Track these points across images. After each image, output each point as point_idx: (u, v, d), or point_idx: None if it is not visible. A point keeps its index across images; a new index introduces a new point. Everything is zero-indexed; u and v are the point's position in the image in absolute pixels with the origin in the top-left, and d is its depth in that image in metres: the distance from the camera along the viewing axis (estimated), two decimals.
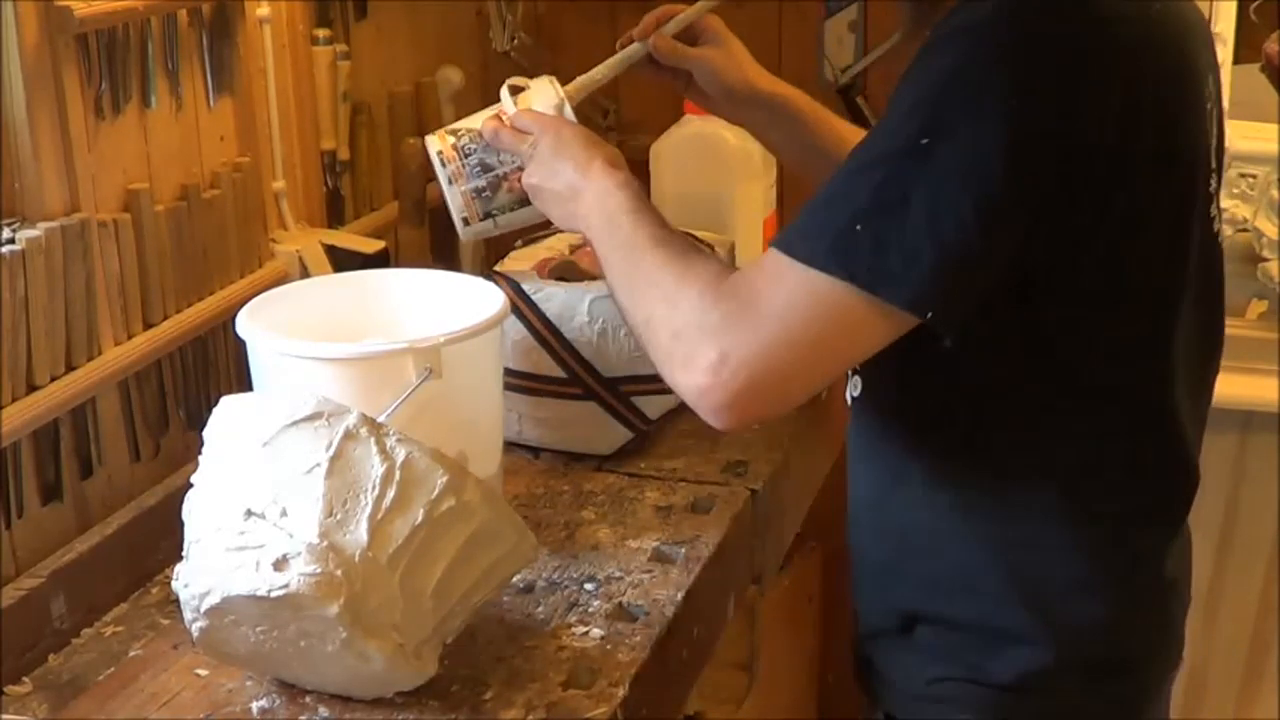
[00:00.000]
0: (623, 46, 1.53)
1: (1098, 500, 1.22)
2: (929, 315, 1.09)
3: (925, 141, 1.07)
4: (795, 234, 1.13)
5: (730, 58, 1.54)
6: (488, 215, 1.46)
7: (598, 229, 1.29)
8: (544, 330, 1.60)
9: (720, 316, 1.13)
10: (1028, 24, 1.08)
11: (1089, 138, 1.08)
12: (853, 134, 1.53)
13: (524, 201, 1.43)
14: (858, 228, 1.08)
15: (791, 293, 1.10)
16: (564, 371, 1.61)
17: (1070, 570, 1.23)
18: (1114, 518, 1.23)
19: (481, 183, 1.45)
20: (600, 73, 1.53)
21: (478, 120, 1.46)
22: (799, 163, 1.59)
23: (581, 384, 1.61)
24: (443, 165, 1.45)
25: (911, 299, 1.08)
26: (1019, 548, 1.23)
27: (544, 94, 1.46)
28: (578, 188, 1.32)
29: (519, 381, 1.61)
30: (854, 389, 1.32)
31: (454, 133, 1.47)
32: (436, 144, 1.46)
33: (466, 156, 1.45)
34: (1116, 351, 1.19)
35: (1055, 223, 1.10)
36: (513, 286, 1.60)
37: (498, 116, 1.44)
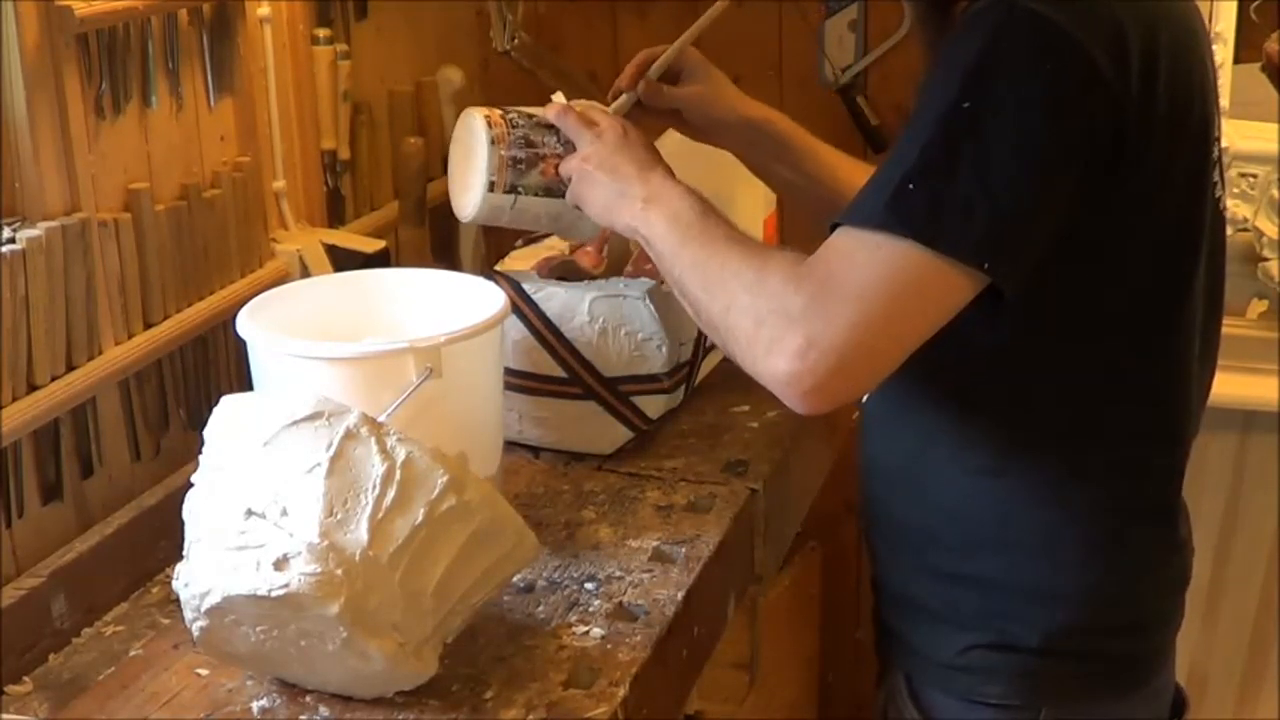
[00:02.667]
0: (613, 97, 1.55)
1: (1124, 457, 1.27)
2: (986, 266, 1.12)
3: (967, 105, 1.11)
4: (855, 206, 1.16)
5: (716, 89, 1.57)
6: (512, 189, 1.45)
7: (661, 228, 1.29)
8: (544, 330, 1.60)
9: (804, 301, 1.13)
10: None
11: (1118, 91, 1.12)
12: (834, 155, 1.58)
13: (550, 191, 1.44)
14: (910, 186, 1.11)
15: (863, 266, 1.12)
16: (564, 371, 1.61)
17: (1098, 527, 1.27)
18: (1138, 475, 1.28)
19: (520, 154, 1.44)
20: None
21: (527, 110, 1.48)
22: (784, 184, 1.63)
23: (581, 384, 1.61)
24: (488, 127, 1.45)
25: (971, 250, 1.11)
26: (1049, 505, 1.27)
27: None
28: (633, 187, 1.34)
29: (519, 381, 1.61)
30: None
31: (501, 108, 1.48)
32: (482, 110, 1.47)
33: (513, 128, 1.45)
34: (1141, 308, 1.23)
35: (1096, 177, 1.14)
36: (513, 286, 1.60)
37: (563, 104, 1.46)
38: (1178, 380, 1.29)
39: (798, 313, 1.13)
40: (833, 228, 1.17)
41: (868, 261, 1.12)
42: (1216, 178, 1.29)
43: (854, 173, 1.52)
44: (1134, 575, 1.30)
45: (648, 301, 1.59)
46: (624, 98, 1.54)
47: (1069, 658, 1.30)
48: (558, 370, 1.61)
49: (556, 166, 1.44)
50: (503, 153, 1.44)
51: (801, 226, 2.16)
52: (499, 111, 1.47)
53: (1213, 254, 1.29)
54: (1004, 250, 1.12)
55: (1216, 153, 1.29)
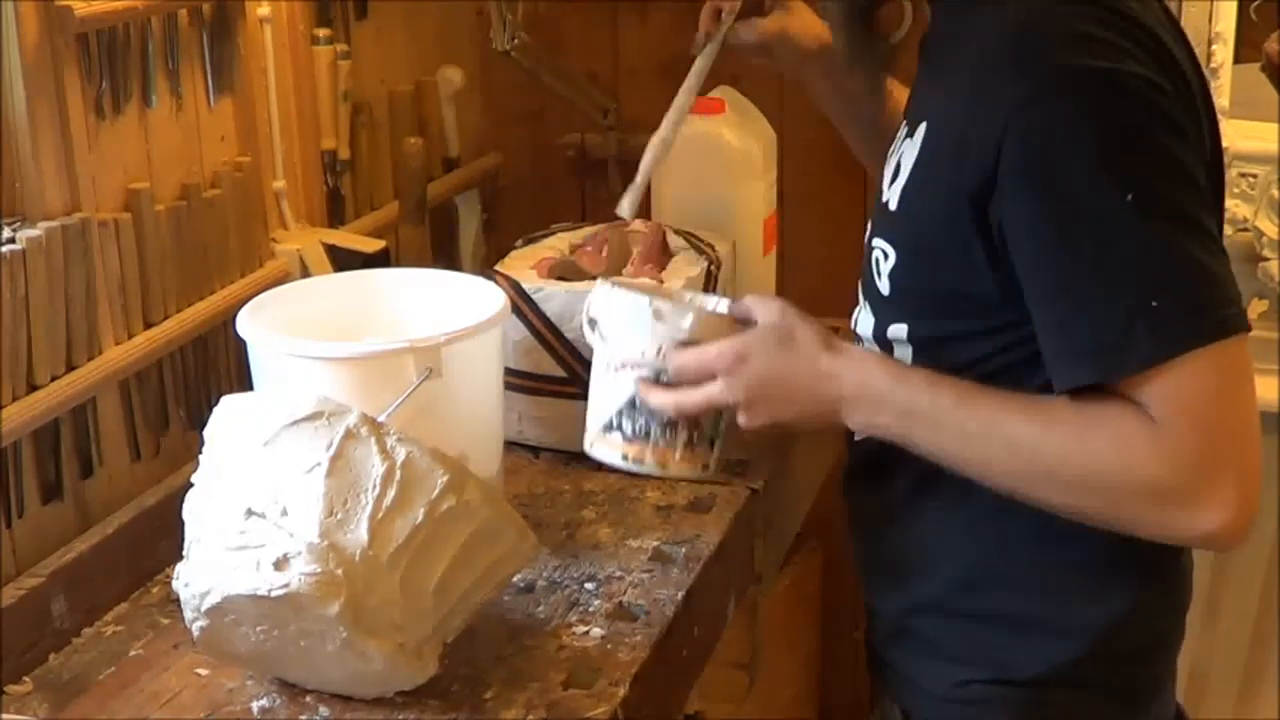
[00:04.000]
0: (699, 47, 1.51)
1: None
2: (1244, 322, 1.11)
3: (1130, 197, 1.08)
4: (1122, 354, 1.10)
5: (800, 18, 1.54)
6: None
7: (914, 425, 1.19)
8: (544, 330, 1.60)
9: (1194, 460, 1.09)
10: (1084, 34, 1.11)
11: (1188, 103, 1.14)
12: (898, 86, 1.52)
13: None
14: (1154, 304, 1.08)
15: (1201, 391, 1.09)
16: (564, 371, 1.61)
17: (1097, 559, 1.24)
18: None
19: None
20: (685, 97, 1.51)
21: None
22: (852, 112, 1.59)
23: (581, 383, 1.61)
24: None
25: (1243, 320, 1.11)
26: (1051, 542, 1.23)
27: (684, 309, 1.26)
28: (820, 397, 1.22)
29: (519, 381, 1.61)
30: None
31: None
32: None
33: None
34: None
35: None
36: (513, 286, 1.60)
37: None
38: None
39: (1194, 475, 1.09)
40: (1080, 387, 1.11)
41: (1193, 392, 1.09)
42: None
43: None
44: (1136, 606, 1.26)
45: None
46: (709, 48, 1.48)
47: (1068, 688, 1.27)
48: (558, 370, 1.61)
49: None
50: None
51: (802, 226, 2.17)
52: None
53: None
54: (1236, 300, 1.11)
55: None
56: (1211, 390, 1.09)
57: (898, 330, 1.25)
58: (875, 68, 1.42)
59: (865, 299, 1.31)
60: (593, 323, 1.28)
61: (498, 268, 1.67)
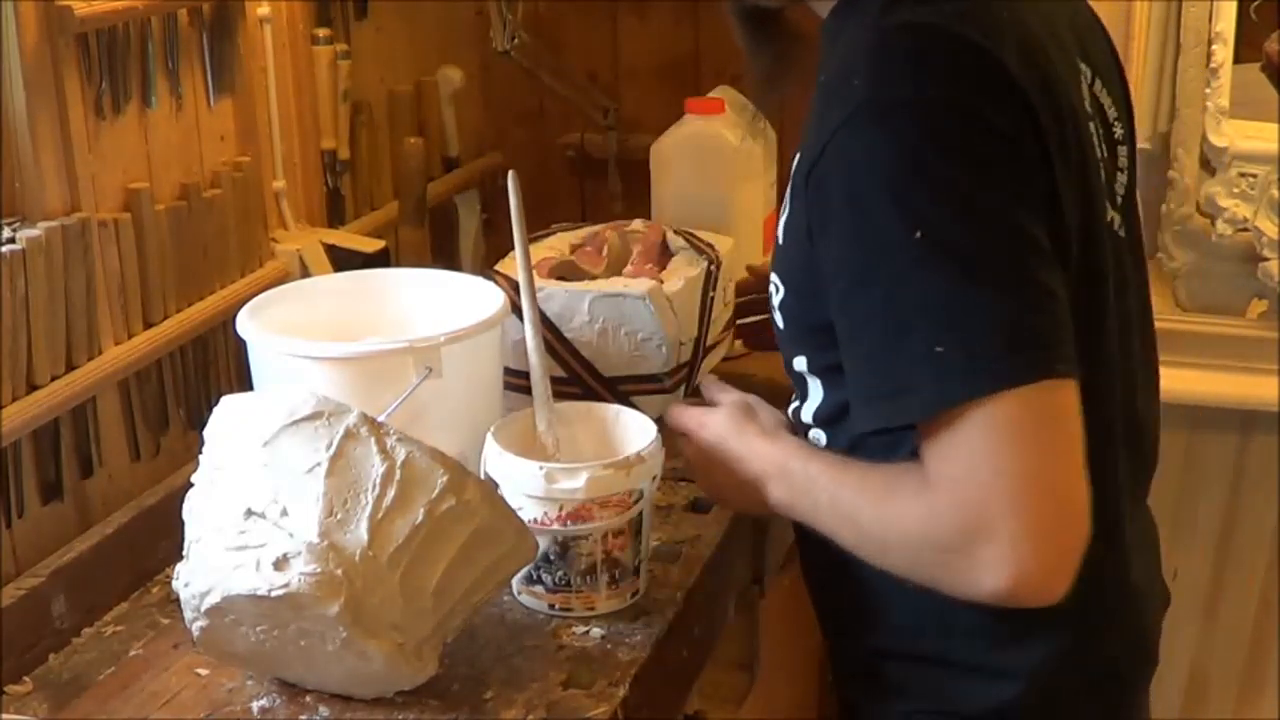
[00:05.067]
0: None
1: None
2: (1038, 375, 1.03)
3: (919, 235, 1.03)
4: (902, 402, 1.06)
5: None
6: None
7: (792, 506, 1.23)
8: (544, 330, 1.60)
9: (957, 521, 1.04)
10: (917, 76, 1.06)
11: (1020, 135, 1.06)
12: None
13: None
14: (939, 350, 1.03)
15: (969, 454, 1.03)
16: (564, 371, 1.61)
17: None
18: None
19: None
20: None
21: None
22: None
23: (581, 383, 1.61)
24: None
25: (1025, 373, 1.02)
26: None
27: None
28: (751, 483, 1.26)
29: (519, 381, 1.60)
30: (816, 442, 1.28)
31: None
32: None
33: None
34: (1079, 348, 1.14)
35: (1044, 220, 1.08)
36: (513, 286, 1.60)
37: None
38: (1128, 427, 1.23)
39: (963, 538, 1.04)
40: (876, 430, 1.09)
41: (967, 446, 1.03)
42: (1123, 165, 1.25)
43: None
44: (1083, 644, 1.22)
45: (648, 302, 1.59)
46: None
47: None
48: (558, 370, 1.61)
49: None
50: None
51: None
52: None
53: (1124, 279, 1.23)
54: (1045, 345, 1.04)
55: (1106, 178, 1.21)
56: (984, 446, 1.02)
57: (800, 363, 1.24)
58: (789, 84, 1.38)
59: None
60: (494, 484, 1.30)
61: (498, 268, 1.67)
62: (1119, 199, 1.24)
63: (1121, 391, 1.23)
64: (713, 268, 1.69)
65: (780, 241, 1.23)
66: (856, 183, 1.06)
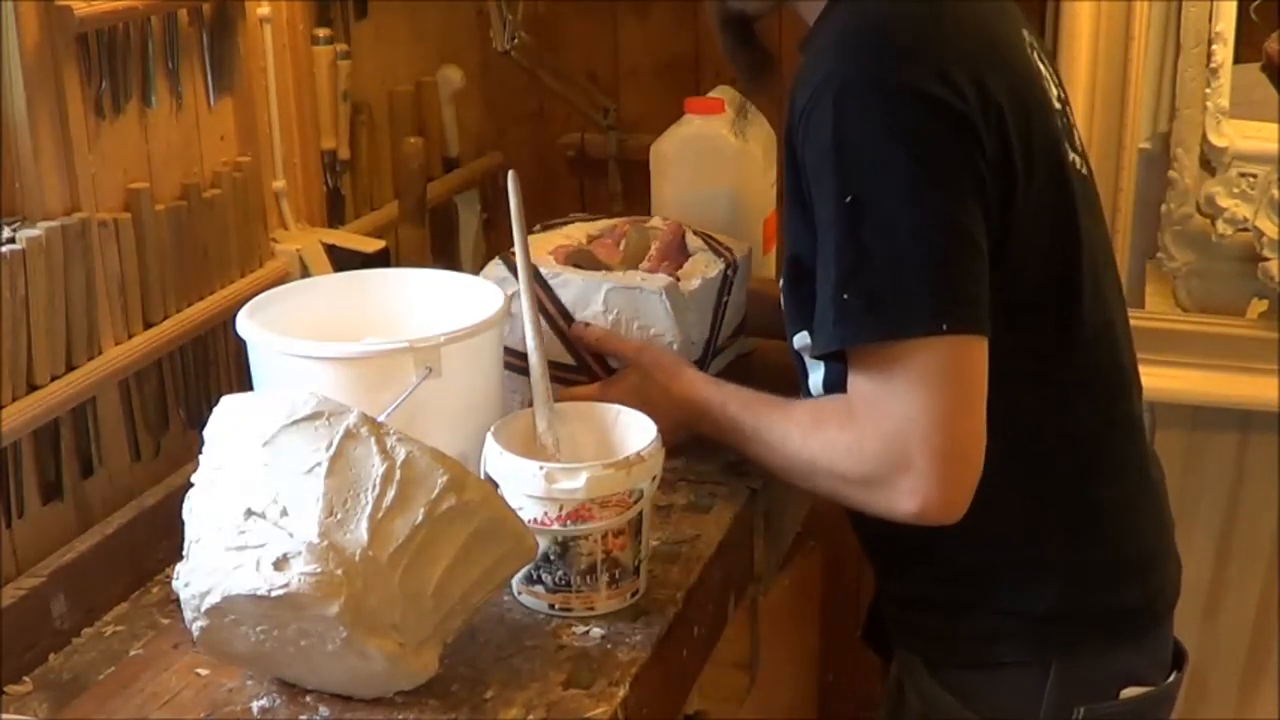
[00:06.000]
0: None
1: (1079, 427, 1.34)
2: (945, 327, 1.18)
3: (849, 199, 1.18)
4: (820, 333, 1.23)
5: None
6: None
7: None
8: (557, 315, 1.59)
9: (875, 448, 1.22)
10: (868, 53, 1.21)
11: (961, 108, 1.19)
12: None
13: None
14: (845, 297, 1.19)
15: (885, 391, 1.21)
16: (573, 359, 1.60)
17: (1073, 500, 1.34)
18: (1098, 439, 1.36)
19: None
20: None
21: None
22: None
23: (589, 373, 1.60)
24: None
25: (926, 323, 1.18)
26: (1025, 491, 1.33)
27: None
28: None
29: (521, 364, 1.59)
30: None
31: None
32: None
33: None
34: (1055, 296, 1.30)
35: (991, 188, 1.20)
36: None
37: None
38: (1109, 343, 1.36)
39: (886, 468, 1.22)
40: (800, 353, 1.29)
41: (889, 387, 1.20)
42: (1076, 145, 1.37)
43: None
44: (1114, 529, 1.36)
45: (664, 298, 1.58)
46: None
47: (1068, 617, 1.35)
48: (566, 358, 1.60)
49: None
50: None
51: None
52: None
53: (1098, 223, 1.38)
54: (962, 302, 1.18)
55: (1063, 124, 1.35)
56: (905, 388, 1.19)
57: (800, 339, 1.34)
58: (773, 83, 1.49)
59: None
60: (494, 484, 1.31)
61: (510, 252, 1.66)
62: (1077, 142, 1.38)
63: (1120, 325, 1.39)
64: (729, 271, 1.68)
65: (784, 220, 1.35)
66: (820, 148, 1.20)
